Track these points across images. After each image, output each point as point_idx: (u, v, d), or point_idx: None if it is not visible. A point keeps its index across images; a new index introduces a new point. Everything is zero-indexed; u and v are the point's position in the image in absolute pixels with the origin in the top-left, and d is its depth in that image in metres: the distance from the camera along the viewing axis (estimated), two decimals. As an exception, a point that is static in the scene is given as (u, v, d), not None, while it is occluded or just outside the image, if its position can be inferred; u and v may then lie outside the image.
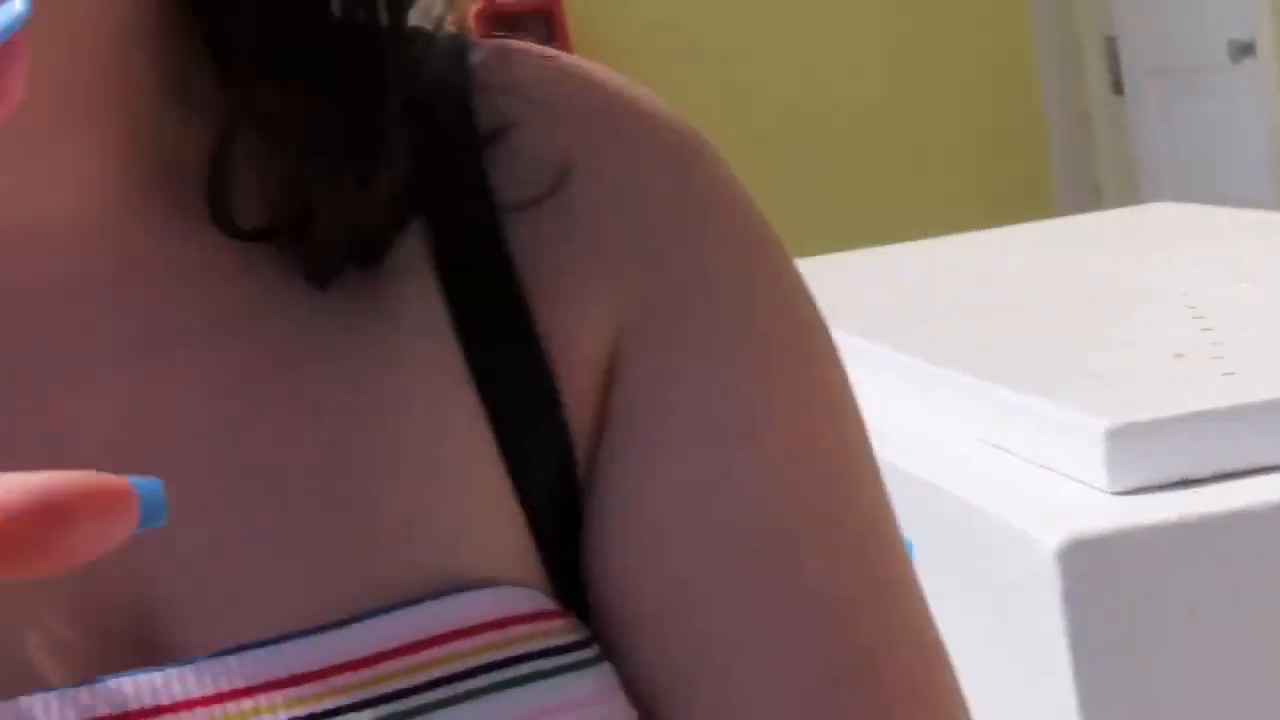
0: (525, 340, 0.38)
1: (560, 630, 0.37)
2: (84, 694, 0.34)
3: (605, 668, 0.37)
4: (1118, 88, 4.05)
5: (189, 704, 0.34)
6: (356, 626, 0.35)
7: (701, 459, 0.38)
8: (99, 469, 0.20)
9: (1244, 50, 3.52)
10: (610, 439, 0.38)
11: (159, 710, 0.34)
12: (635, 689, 0.38)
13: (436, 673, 0.35)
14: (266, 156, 0.37)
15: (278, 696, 0.34)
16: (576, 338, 0.38)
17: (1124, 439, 0.84)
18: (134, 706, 0.34)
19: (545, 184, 0.39)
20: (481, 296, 0.38)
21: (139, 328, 0.37)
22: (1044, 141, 4.24)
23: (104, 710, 0.34)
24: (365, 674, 0.35)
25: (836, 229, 2.78)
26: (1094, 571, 0.81)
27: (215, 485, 0.36)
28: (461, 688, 0.35)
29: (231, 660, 0.34)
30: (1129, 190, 3.87)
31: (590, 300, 0.39)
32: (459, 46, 0.41)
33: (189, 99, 0.38)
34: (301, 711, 0.34)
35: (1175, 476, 0.84)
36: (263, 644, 0.34)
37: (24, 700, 0.33)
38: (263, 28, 0.37)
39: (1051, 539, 0.80)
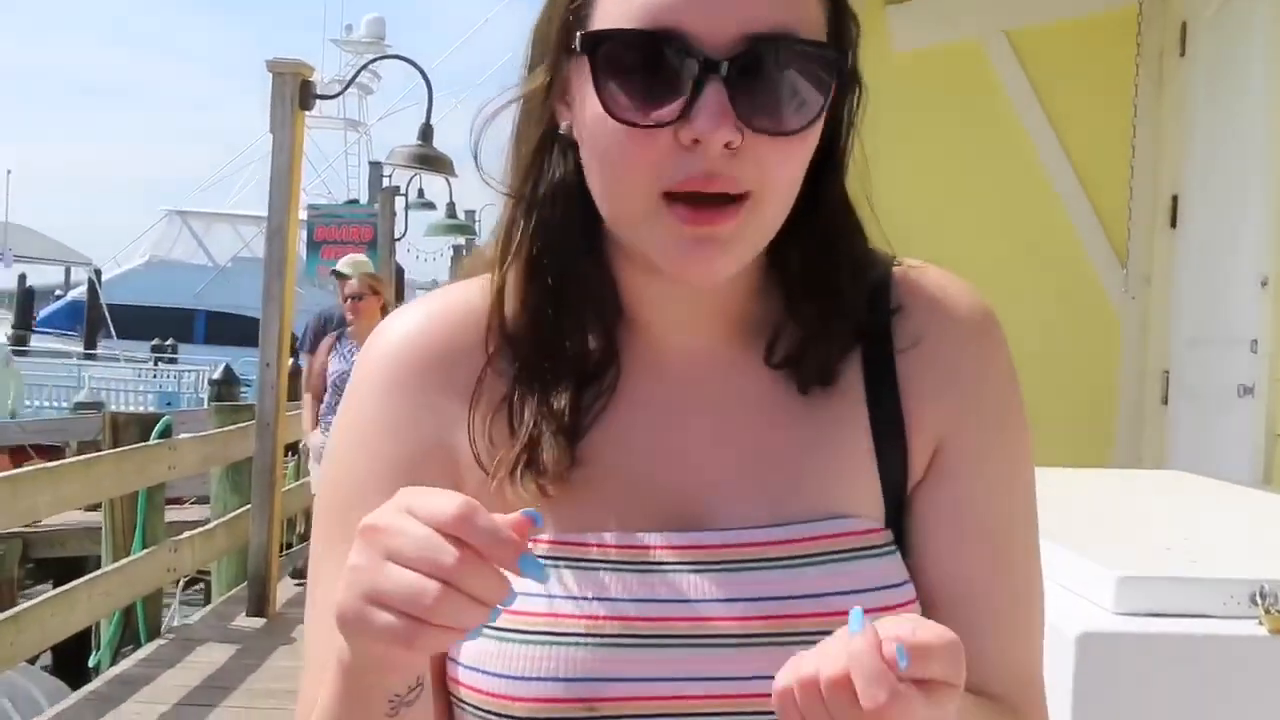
0: (898, 420, 0.89)
1: (879, 539, 0.87)
2: (653, 536, 0.86)
3: (896, 558, 0.87)
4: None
5: (707, 547, 0.85)
6: (780, 529, 0.86)
7: (979, 497, 0.89)
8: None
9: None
10: (932, 477, 0.89)
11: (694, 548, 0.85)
12: (919, 586, 0.87)
13: (809, 549, 0.86)
14: (792, 330, 0.90)
15: (727, 554, 0.85)
16: (920, 425, 0.89)
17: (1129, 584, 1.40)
18: (682, 544, 0.85)
19: (912, 342, 0.89)
20: (881, 396, 0.89)
21: (721, 395, 0.90)
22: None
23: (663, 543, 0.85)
24: (770, 550, 0.85)
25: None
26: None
27: (743, 458, 0.88)
28: (814, 560, 0.85)
29: (730, 534, 0.86)
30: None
31: (928, 408, 0.89)
32: (889, 262, 0.92)
33: (758, 299, 0.91)
34: (732, 557, 0.85)
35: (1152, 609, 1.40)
36: (741, 528, 0.86)
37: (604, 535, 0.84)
38: (804, 275, 0.90)
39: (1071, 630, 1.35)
